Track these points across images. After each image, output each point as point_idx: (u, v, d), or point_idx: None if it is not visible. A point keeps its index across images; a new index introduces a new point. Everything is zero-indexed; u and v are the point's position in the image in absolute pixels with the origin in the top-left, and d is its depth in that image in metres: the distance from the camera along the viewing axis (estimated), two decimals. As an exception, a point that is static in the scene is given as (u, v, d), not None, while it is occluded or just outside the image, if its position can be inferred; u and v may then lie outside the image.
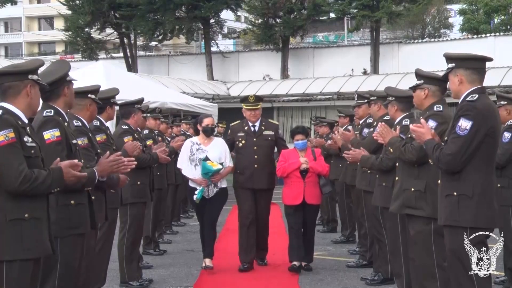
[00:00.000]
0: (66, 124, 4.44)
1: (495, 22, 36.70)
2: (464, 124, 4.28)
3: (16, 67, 3.91)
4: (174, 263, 8.40)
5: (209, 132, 7.67)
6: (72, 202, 4.40)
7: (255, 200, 7.88)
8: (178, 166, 7.79)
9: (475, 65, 4.47)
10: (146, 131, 8.64)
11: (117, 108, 6.90)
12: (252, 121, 7.95)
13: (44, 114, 4.33)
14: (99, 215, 4.98)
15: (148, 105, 10.19)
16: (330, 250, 9.25)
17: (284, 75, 29.83)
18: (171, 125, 11.32)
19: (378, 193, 6.36)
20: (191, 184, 7.68)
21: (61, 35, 36.93)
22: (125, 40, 33.62)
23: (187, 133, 12.46)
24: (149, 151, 7.33)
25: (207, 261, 7.65)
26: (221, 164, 7.50)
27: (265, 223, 8.09)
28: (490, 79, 18.49)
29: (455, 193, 4.33)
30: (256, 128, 7.95)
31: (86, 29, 33.25)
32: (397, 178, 5.46)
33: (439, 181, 4.56)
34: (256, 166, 7.79)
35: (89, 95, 5.29)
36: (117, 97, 6.33)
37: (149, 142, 8.18)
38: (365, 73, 28.22)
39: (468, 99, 4.35)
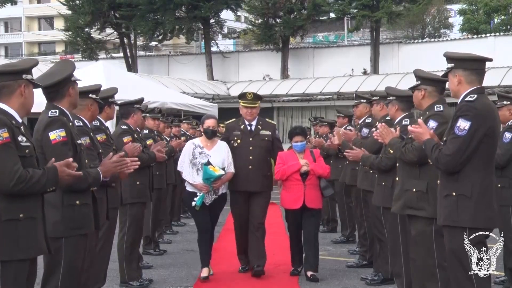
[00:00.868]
0: (70, 124, 4.45)
1: (495, 22, 36.71)
2: (463, 124, 4.28)
3: (9, 66, 3.89)
4: (174, 263, 8.40)
5: (209, 135, 7.30)
6: (77, 202, 4.41)
7: (250, 203, 7.49)
8: (179, 168, 7.42)
9: (474, 65, 4.47)
10: (145, 131, 8.64)
11: (117, 108, 6.91)
12: (248, 119, 7.56)
13: (50, 115, 4.33)
14: (101, 215, 4.99)
15: (147, 105, 10.18)
16: (330, 250, 9.25)
17: (284, 75, 29.85)
18: (170, 125, 11.31)
19: (378, 192, 6.37)
20: (189, 188, 7.31)
21: (61, 35, 36.95)
22: (125, 40, 33.64)
23: (187, 133, 12.47)
24: (148, 150, 7.31)
25: (205, 271, 7.29)
26: (223, 169, 7.16)
27: (262, 228, 7.55)
28: (490, 79, 18.56)
29: (454, 193, 4.34)
30: (253, 127, 7.56)
31: (86, 29, 33.30)
32: (397, 178, 5.46)
33: (438, 181, 4.56)
34: (250, 167, 7.39)
35: (90, 95, 5.30)
36: (117, 97, 6.33)
37: (149, 142, 8.18)
38: (365, 73, 28.23)
39: (467, 99, 4.36)
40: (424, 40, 34.56)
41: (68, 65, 4.58)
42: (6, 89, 3.79)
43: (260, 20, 32.16)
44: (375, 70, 28.80)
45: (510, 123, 6.67)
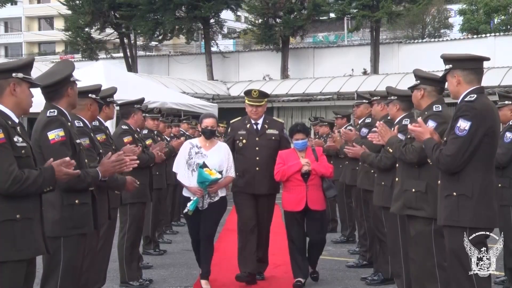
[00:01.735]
0: (69, 124, 4.44)
1: (495, 22, 36.71)
2: (463, 124, 4.27)
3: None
4: (174, 263, 8.39)
5: (207, 134, 6.84)
6: (76, 201, 4.41)
7: (256, 206, 7.13)
8: (174, 170, 6.96)
9: (472, 65, 4.47)
10: (145, 131, 8.63)
11: (117, 108, 6.91)
12: (253, 118, 7.19)
13: (48, 114, 4.33)
14: (102, 215, 4.98)
15: (147, 105, 10.18)
16: (330, 250, 9.24)
17: (284, 75, 29.85)
18: (169, 125, 11.31)
19: (378, 192, 6.36)
20: (185, 193, 6.86)
21: (61, 35, 36.98)
22: (125, 40, 33.66)
23: (187, 133, 12.47)
24: (147, 151, 7.31)
25: (204, 283, 6.87)
26: (220, 173, 6.67)
27: (266, 233, 7.31)
28: (490, 79, 18.57)
29: (455, 193, 4.34)
30: (259, 126, 7.18)
31: (86, 29, 33.32)
32: (397, 179, 5.46)
33: (439, 181, 4.56)
34: (257, 168, 7.03)
35: (89, 95, 5.29)
36: (117, 97, 6.33)
37: (148, 142, 8.18)
38: (365, 73, 28.24)
39: (466, 99, 4.36)
40: (424, 40, 34.55)
41: (68, 65, 4.57)
42: None
43: (260, 20, 32.17)
44: (375, 70, 28.80)
45: (511, 123, 6.67)
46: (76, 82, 4.56)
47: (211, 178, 6.58)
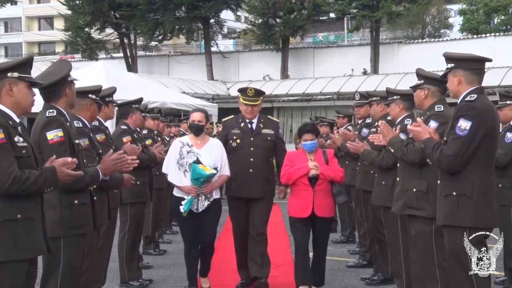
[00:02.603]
0: (68, 124, 4.44)
1: (495, 22, 36.73)
2: (464, 124, 4.27)
3: None
4: (174, 263, 8.39)
5: (194, 129, 6.38)
6: (75, 201, 4.41)
7: (250, 211, 6.77)
8: (164, 170, 6.54)
9: (474, 65, 4.47)
10: (144, 131, 8.63)
11: (116, 108, 6.91)
12: (248, 118, 6.77)
13: (47, 115, 4.32)
14: (102, 215, 4.98)
15: (146, 104, 10.19)
16: (330, 250, 9.20)
17: (284, 75, 29.86)
18: (169, 125, 11.30)
19: (378, 192, 6.36)
20: (176, 193, 6.45)
21: (61, 35, 36.98)
22: (125, 40, 33.67)
23: (187, 133, 12.46)
24: (148, 151, 7.31)
25: (203, 282, 6.59)
26: (215, 169, 6.31)
27: (263, 238, 6.85)
28: (490, 79, 18.57)
29: (455, 193, 4.33)
30: (254, 126, 6.76)
31: (86, 29, 33.34)
32: (398, 178, 5.46)
33: (438, 181, 4.56)
34: (251, 170, 6.62)
35: (89, 95, 5.29)
36: (117, 98, 6.33)
37: (148, 142, 8.18)
38: (365, 73, 28.25)
39: (467, 99, 4.36)
40: (424, 40, 34.55)
41: (65, 65, 4.56)
42: None
43: (260, 20, 32.18)
44: (375, 70, 28.81)
45: (511, 123, 6.66)
46: (74, 81, 4.56)
47: (206, 173, 6.20)
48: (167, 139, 10.49)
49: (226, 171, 6.47)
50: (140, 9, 30.68)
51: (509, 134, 6.57)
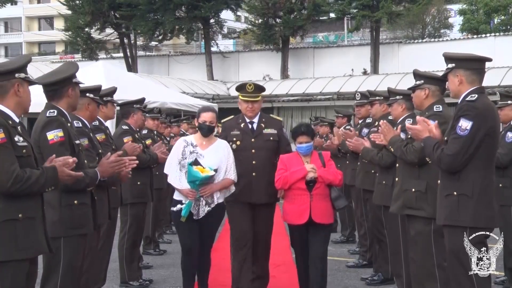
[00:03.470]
0: (69, 124, 4.44)
1: (495, 22, 36.75)
2: (465, 124, 4.27)
3: (1, 66, 3.82)
4: (174, 263, 8.38)
5: (205, 131, 5.97)
6: (75, 202, 4.41)
7: (253, 217, 6.27)
8: (165, 171, 6.07)
9: (475, 65, 4.47)
10: (144, 131, 8.63)
11: (117, 108, 6.91)
12: (249, 116, 6.32)
13: (48, 115, 4.33)
14: (102, 215, 4.98)
15: (146, 104, 10.17)
16: (330, 250, 9.17)
17: (284, 75, 29.88)
18: (168, 124, 11.31)
19: (378, 191, 6.36)
20: (176, 196, 5.99)
21: (61, 35, 37.02)
22: (125, 40, 33.70)
23: (187, 133, 12.46)
24: (149, 151, 7.31)
25: None
26: (215, 170, 5.82)
27: (266, 247, 6.43)
28: (490, 79, 18.56)
29: (455, 193, 4.33)
30: (255, 126, 6.32)
31: (86, 29, 33.38)
32: (397, 178, 5.46)
33: (439, 181, 4.56)
34: (254, 174, 6.17)
35: (87, 94, 5.28)
36: (117, 98, 6.33)
37: (148, 142, 8.18)
38: (365, 73, 28.26)
39: (467, 99, 4.35)
40: (424, 40, 34.57)
41: (72, 67, 4.58)
42: (0, 90, 3.75)
43: (260, 20, 32.21)
44: (375, 70, 28.83)
45: (512, 123, 6.67)
46: (79, 84, 4.56)
47: (201, 176, 5.71)
48: (168, 139, 10.49)
49: (231, 175, 5.97)
50: (140, 9, 30.71)
51: (509, 134, 6.57)
